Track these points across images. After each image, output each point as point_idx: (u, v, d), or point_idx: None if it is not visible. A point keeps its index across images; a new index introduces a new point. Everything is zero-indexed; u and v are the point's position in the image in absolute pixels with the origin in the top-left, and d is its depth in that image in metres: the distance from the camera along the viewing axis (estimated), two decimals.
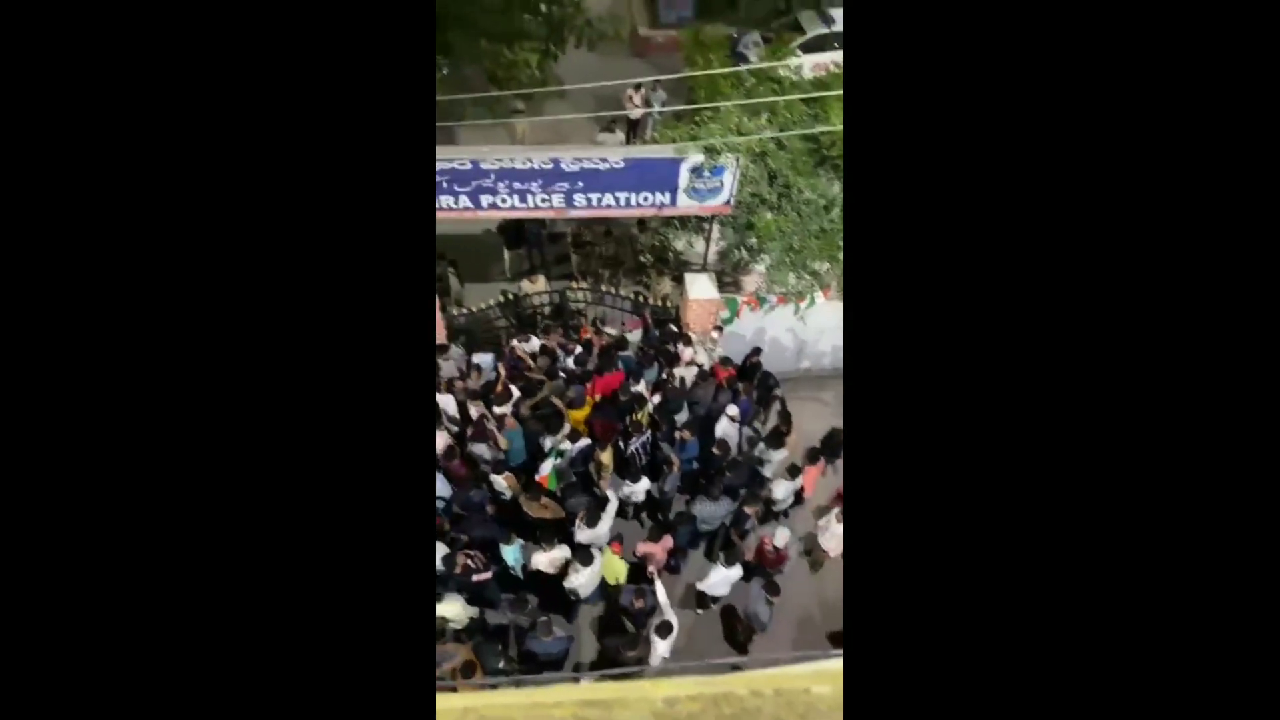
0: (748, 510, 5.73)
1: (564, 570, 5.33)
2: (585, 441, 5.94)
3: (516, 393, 6.05)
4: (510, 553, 5.33)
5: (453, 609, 5.13)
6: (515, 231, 7.84)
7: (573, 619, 5.75)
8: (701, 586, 5.53)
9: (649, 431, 6.01)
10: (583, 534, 5.36)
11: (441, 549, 5.30)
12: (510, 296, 7.06)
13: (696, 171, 6.52)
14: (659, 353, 6.56)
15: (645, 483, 5.78)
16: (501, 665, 5.16)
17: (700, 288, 6.84)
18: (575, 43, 7.27)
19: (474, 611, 5.30)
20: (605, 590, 5.58)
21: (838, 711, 1.85)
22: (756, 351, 6.80)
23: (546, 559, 5.33)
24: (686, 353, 6.57)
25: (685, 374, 6.45)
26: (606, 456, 5.87)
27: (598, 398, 6.27)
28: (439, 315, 6.73)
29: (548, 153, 6.36)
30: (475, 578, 5.30)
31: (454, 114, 7.02)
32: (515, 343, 6.59)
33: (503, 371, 6.24)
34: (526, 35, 6.97)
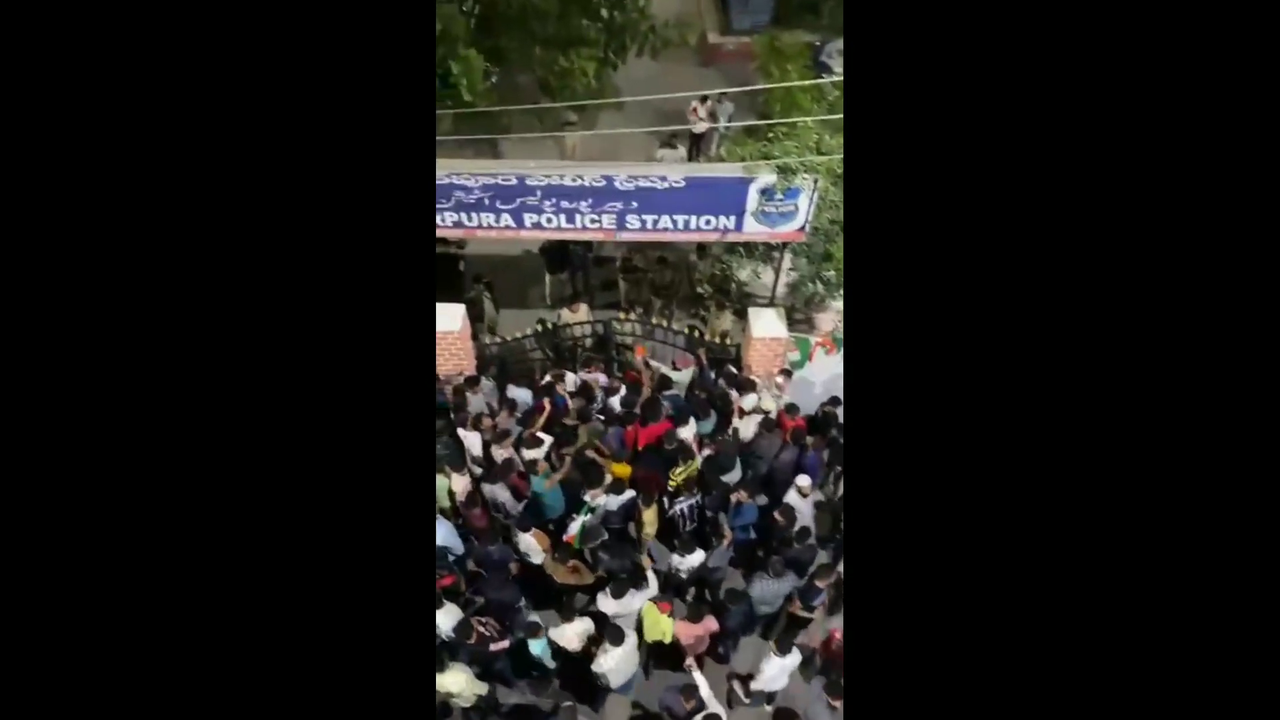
0: (819, 584, 4.82)
1: (590, 648, 4.61)
2: (629, 494, 5.23)
3: (548, 438, 5.40)
4: (536, 646, 4.64)
5: (458, 682, 4.47)
6: (559, 253, 7.28)
7: (599, 708, 5.00)
8: (757, 685, 4.69)
9: (698, 494, 5.25)
10: (607, 604, 4.64)
11: (454, 612, 4.67)
12: (548, 326, 6.46)
13: (767, 193, 5.86)
14: (712, 399, 5.80)
15: (699, 555, 5.01)
16: None
17: (766, 324, 6.08)
18: (638, 50, 6.70)
19: (483, 689, 4.63)
20: (647, 649, 4.83)
21: None
22: (834, 402, 5.92)
23: (571, 632, 4.63)
24: (748, 400, 5.77)
25: (744, 426, 5.65)
26: (650, 515, 5.14)
27: (640, 446, 5.56)
28: (470, 344, 6.20)
29: (600, 169, 5.85)
30: (492, 647, 4.65)
31: (500, 125, 6.55)
32: (568, 378, 6.00)
33: (547, 406, 5.63)
34: (585, 41, 6.44)
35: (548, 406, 5.68)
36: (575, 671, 4.80)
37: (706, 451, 5.43)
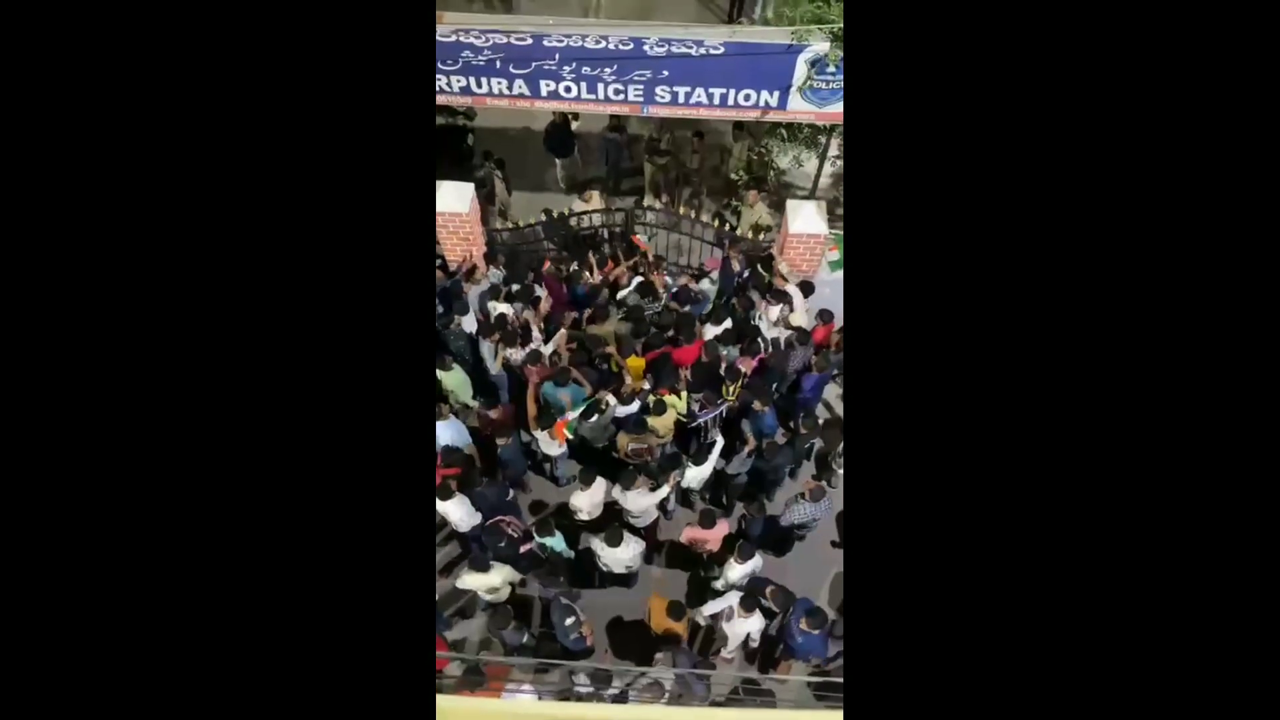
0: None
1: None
2: (637, 405, 5.29)
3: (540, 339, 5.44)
4: (554, 542, 4.94)
5: (501, 575, 4.80)
6: (561, 135, 6.92)
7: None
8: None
9: (723, 404, 5.33)
10: (617, 495, 4.90)
11: (463, 502, 4.89)
12: (554, 215, 6.26)
13: (818, 65, 5.48)
14: (733, 309, 5.76)
15: (709, 467, 5.18)
16: (525, 640, 4.85)
17: (805, 219, 5.92)
18: None
19: (516, 577, 4.98)
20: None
21: None
22: None
23: (586, 501, 4.96)
24: (773, 311, 5.69)
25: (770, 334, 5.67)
26: (664, 422, 5.23)
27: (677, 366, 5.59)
28: (480, 229, 6.08)
29: (627, 30, 5.48)
30: (521, 549, 4.92)
31: None
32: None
33: (543, 305, 5.63)
34: None
35: (545, 298, 5.66)
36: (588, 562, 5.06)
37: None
